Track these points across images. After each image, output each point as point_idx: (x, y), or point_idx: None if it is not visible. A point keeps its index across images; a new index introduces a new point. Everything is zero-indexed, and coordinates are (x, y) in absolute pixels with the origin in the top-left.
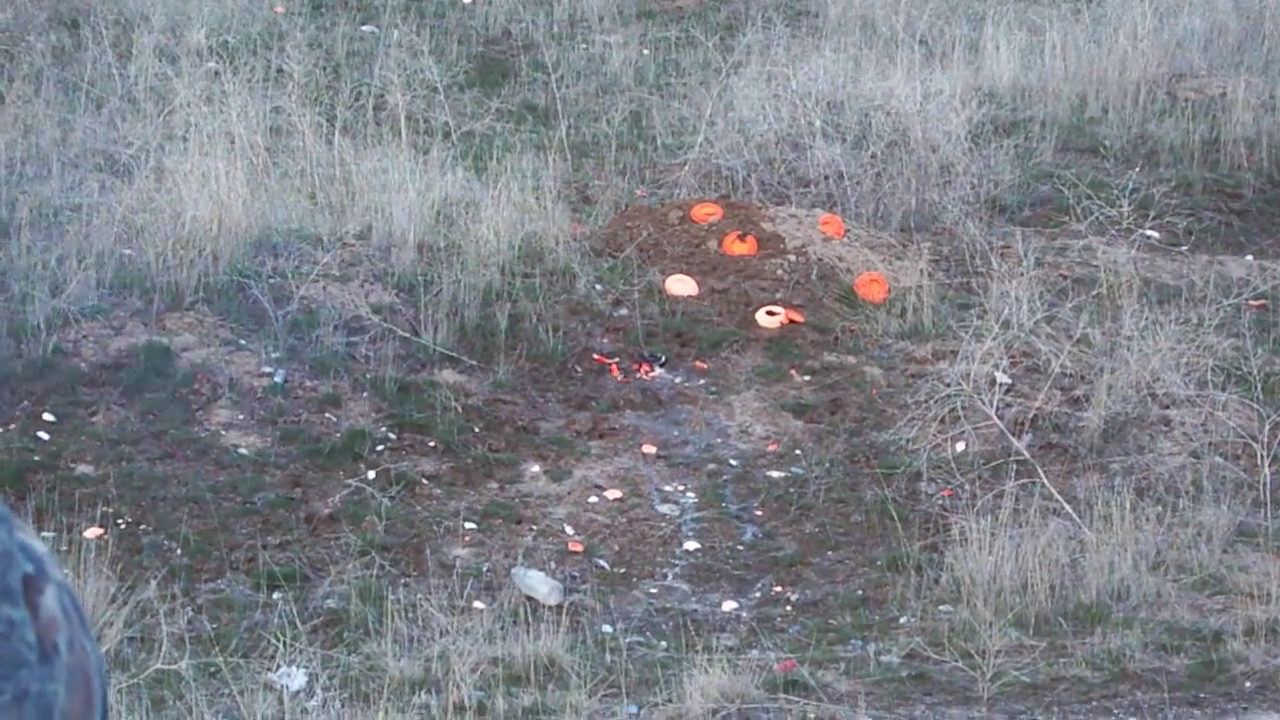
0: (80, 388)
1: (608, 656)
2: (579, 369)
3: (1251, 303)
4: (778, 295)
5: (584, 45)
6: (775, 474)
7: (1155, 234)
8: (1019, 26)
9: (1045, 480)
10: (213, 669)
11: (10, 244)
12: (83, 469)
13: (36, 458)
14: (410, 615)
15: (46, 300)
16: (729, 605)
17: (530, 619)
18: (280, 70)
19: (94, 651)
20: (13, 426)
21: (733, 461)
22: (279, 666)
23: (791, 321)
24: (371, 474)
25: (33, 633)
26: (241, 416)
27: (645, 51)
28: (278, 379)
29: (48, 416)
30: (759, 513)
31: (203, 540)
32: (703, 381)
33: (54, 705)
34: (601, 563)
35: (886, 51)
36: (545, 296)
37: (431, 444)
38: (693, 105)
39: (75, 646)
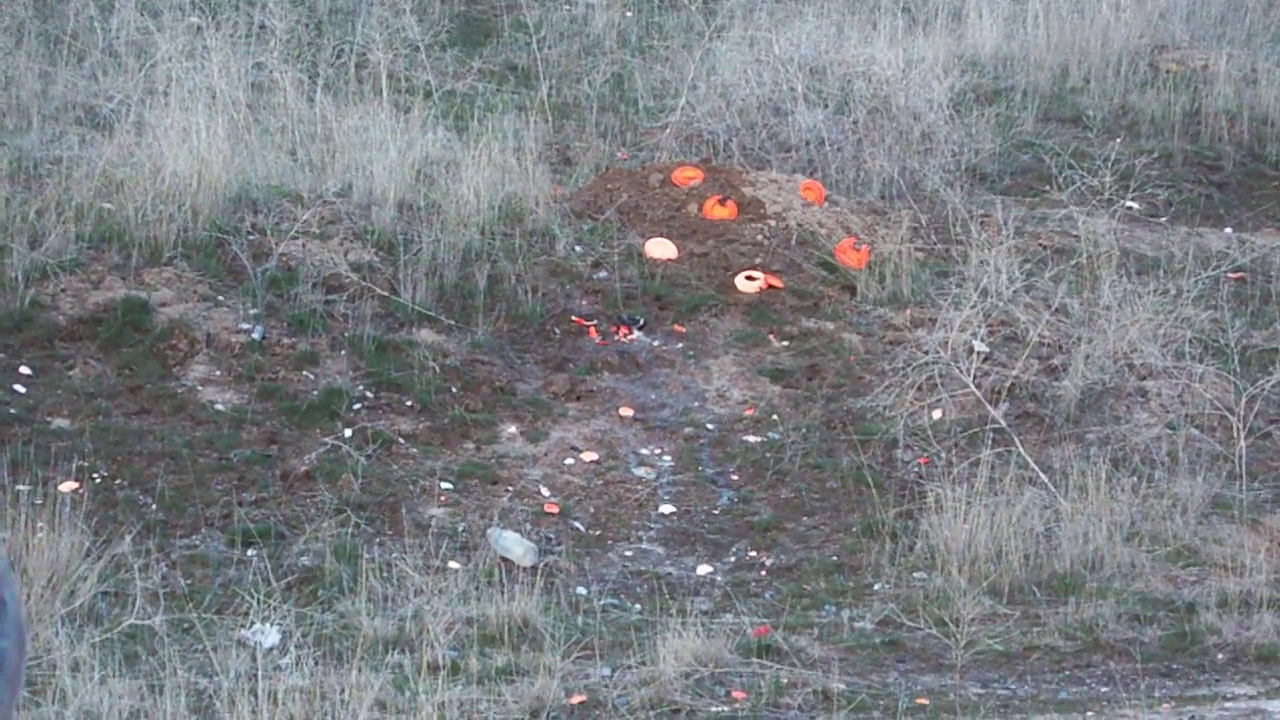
0: (57, 341)
1: (582, 618)
2: (557, 330)
3: (1230, 275)
4: (757, 260)
5: (566, 6)
6: (752, 439)
7: (1135, 205)
8: None
9: (1021, 449)
10: (186, 625)
11: None
12: (59, 423)
13: (12, 410)
14: (385, 574)
15: (25, 253)
16: (704, 569)
17: (505, 580)
18: (262, 26)
19: (19, 598)
20: None
21: (709, 426)
22: (253, 623)
23: (770, 287)
24: (348, 432)
25: None
26: (219, 372)
27: (628, 14)
28: (255, 335)
29: (24, 369)
30: (735, 477)
31: (178, 496)
32: (681, 345)
33: (5, 660)
34: (577, 525)
35: (870, 18)
36: (525, 257)
37: (409, 403)
38: (675, 68)
39: (15, 597)
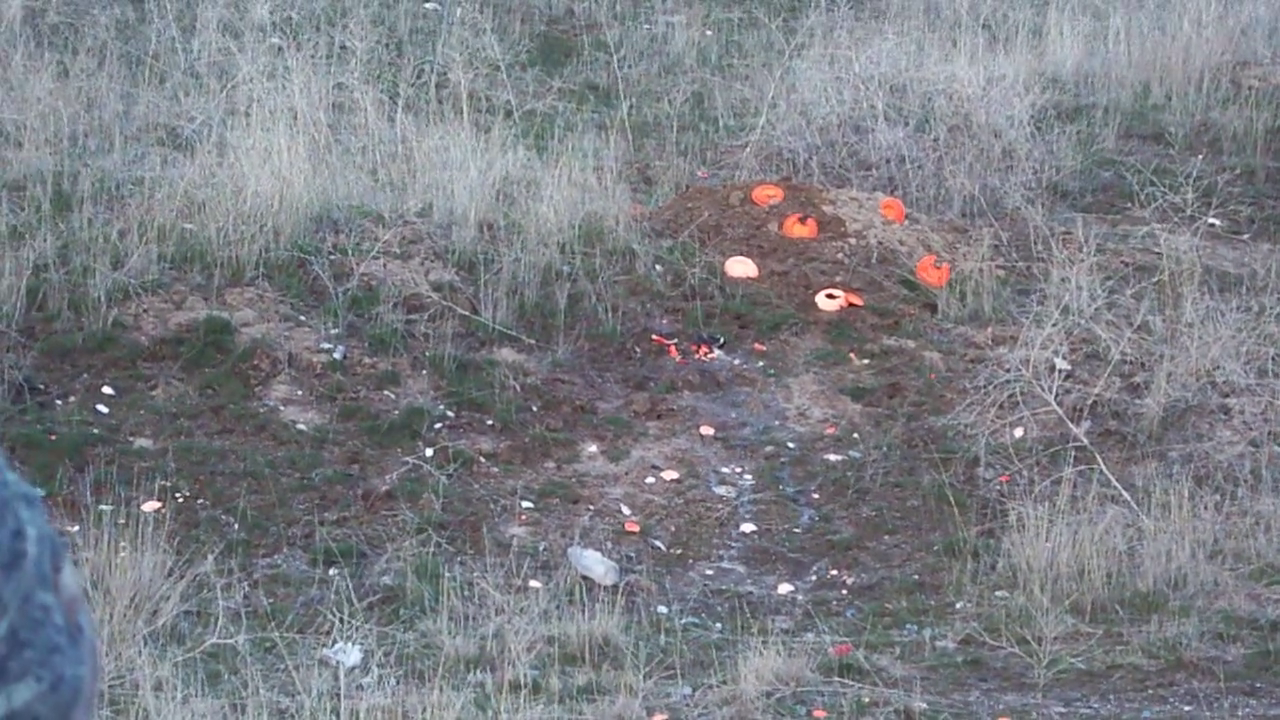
0: (140, 362)
1: (663, 637)
2: (638, 349)
3: None
4: (838, 278)
5: (646, 25)
6: (832, 457)
7: (1217, 222)
8: (1083, 12)
9: (1104, 467)
10: (268, 644)
11: (72, 217)
12: (141, 443)
13: (96, 431)
14: (466, 593)
15: (107, 274)
16: (784, 588)
17: (586, 599)
18: (343, 47)
19: (94, 624)
20: (72, 400)
21: (790, 444)
22: (334, 642)
23: (851, 305)
24: (429, 451)
25: (61, 615)
26: (300, 392)
27: (708, 32)
28: (337, 355)
29: (107, 390)
30: (816, 496)
31: (260, 515)
32: (761, 364)
33: (82, 687)
34: (657, 543)
35: (950, 35)
36: (605, 276)
37: (489, 422)
38: (755, 87)
39: (90, 623)
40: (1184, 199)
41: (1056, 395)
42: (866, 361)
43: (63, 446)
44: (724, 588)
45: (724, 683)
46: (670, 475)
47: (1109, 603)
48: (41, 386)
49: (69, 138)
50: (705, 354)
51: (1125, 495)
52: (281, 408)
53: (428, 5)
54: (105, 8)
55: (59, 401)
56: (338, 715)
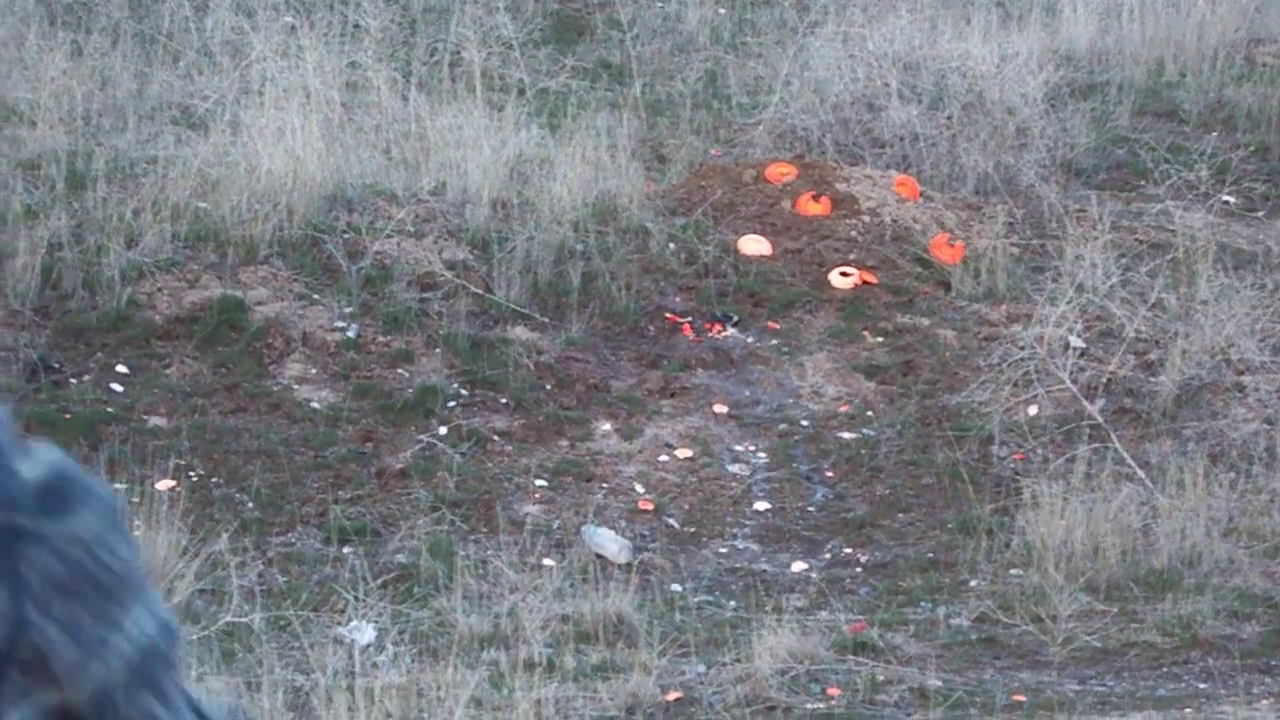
0: (154, 340)
1: (677, 615)
2: (651, 328)
3: None
4: (851, 256)
5: (660, 3)
6: (846, 435)
7: (1232, 199)
8: None
9: (1118, 445)
10: (283, 622)
11: (86, 196)
12: (155, 421)
13: (110, 409)
14: (480, 571)
15: (121, 252)
16: (799, 566)
17: (600, 577)
18: (356, 25)
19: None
20: (87, 378)
21: (804, 422)
22: (349, 621)
23: (865, 283)
24: (443, 430)
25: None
26: (314, 371)
27: (721, 10)
28: (351, 334)
29: (121, 369)
30: (830, 474)
31: (274, 494)
32: (775, 342)
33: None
34: (671, 522)
35: (963, 13)
36: (618, 255)
37: (503, 401)
38: (768, 65)
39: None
40: (1198, 176)
41: (1071, 373)
42: (880, 339)
43: (77, 425)
44: (738, 566)
45: (738, 661)
46: (684, 453)
47: (1123, 580)
48: (56, 365)
49: (83, 117)
50: (719, 332)
51: (1140, 473)
52: (295, 386)
53: None
54: None
55: (73, 380)
56: (352, 693)
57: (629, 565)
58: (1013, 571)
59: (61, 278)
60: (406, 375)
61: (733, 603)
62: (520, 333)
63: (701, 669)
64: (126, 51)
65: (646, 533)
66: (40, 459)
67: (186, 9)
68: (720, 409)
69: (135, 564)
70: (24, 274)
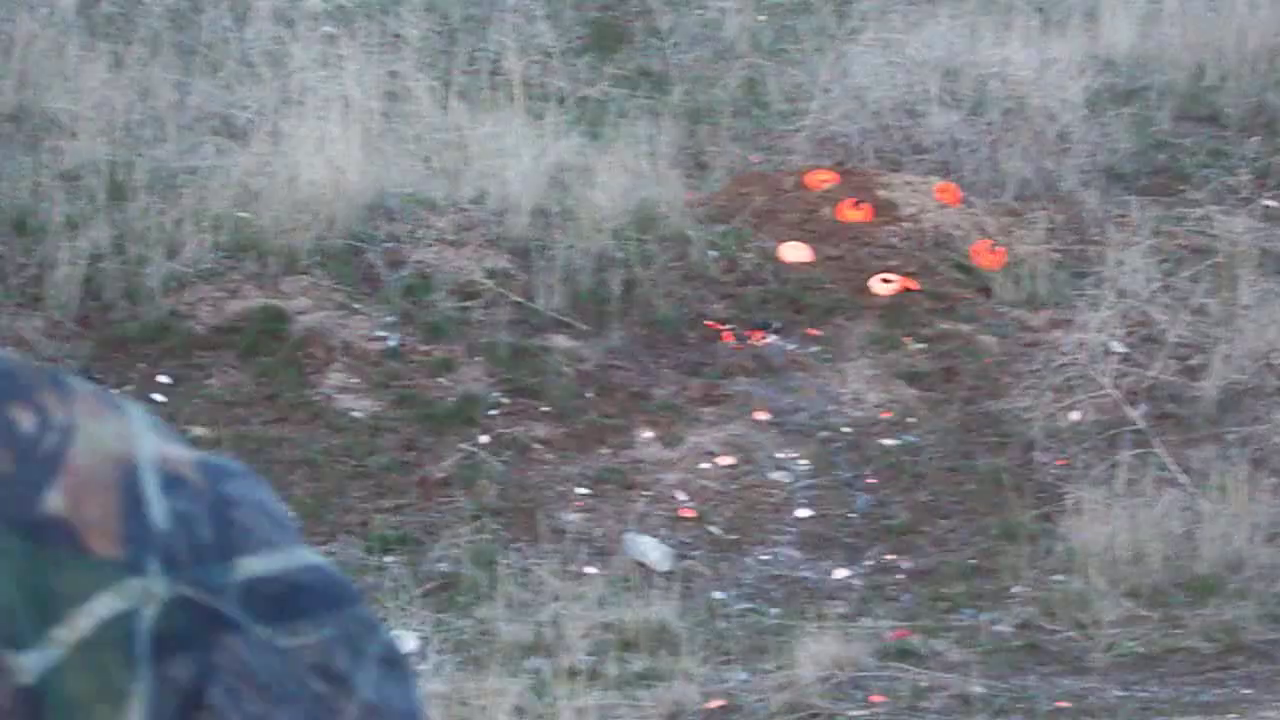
0: (196, 350)
1: (719, 623)
2: (692, 335)
3: None
4: (892, 262)
5: (699, 11)
6: (888, 442)
7: (1273, 203)
8: None
9: (1160, 450)
10: None
11: (127, 207)
12: (198, 431)
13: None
14: (522, 580)
15: (163, 263)
16: (840, 573)
17: (642, 585)
18: (396, 35)
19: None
20: (129, 389)
21: (845, 429)
22: (391, 630)
23: (906, 289)
24: (484, 438)
25: None
26: (355, 380)
27: (761, 17)
28: (391, 343)
29: (163, 379)
30: (871, 480)
31: (316, 503)
32: (816, 348)
33: None
34: (713, 529)
35: (1003, 19)
36: (658, 262)
37: (544, 409)
38: (808, 72)
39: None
40: (1240, 181)
41: (1113, 378)
42: (921, 346)
43: None
44: (780, 573)
45: (780, 668)
46: (725, 461)
47: (1166, 586)
48: (98, 376)
49: (123, 127)
50: (760, 339)
51: (1183, 479)
52: (337, 396)
53: None
54: None
55: (115, 391)
56: None
57: (670, 573)
58: (1055, 577)
59: (103, 289)
60: (448, 384)
61: (775, 610)
62: (561, 341)
63: (744, 676)
64: (167, 62)
65: (688, 540)
66: (280, 557)
67: (227, 19)
68: (761, 416)
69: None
70: (66, 285)
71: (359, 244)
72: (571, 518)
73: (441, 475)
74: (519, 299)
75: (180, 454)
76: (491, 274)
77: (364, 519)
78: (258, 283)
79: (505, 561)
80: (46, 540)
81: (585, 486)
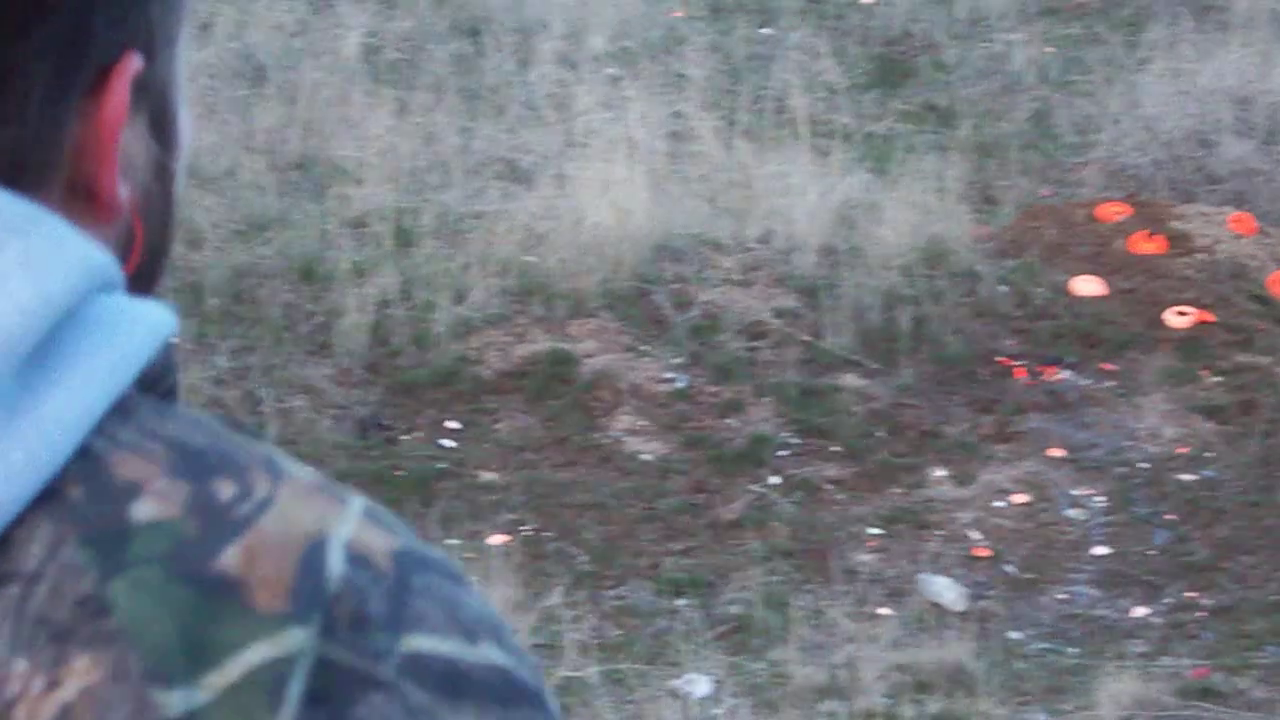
0: (483, 395)
1: (1016, 663)
2: (983, 372)
3: None
4: (1187, 295)
5: (985, 44)
6: (1186, 477)
7: None
8: None
9: None
10: (618, 676)
11: (414, 252)
12: (487, 476)
13: (441, 465)
14: (815, 621)
15: (450, 308)
16: (1139, 610)
17: (937, 625)
18: (680, 75)
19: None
20: (418, 435)
21: (1142, 464)
22: (684, 673)
23: (1201, 321)
24: (774, 479)
25: None
26: (644, 422)
27: (1048, 49)
28: (680, 385)
29: (452, 424)
30: (1169, 516)
31: (606, 546)
32: (1110, 383)
33: None
34: (1008, 568)
35: None
36: (948, 298)
37: (834, 449)
38: (1097, 103)
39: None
40: None
41: None
42: (1218, 379)
43: (409, 482)
44: (1077, 612)
45: (1080, 709)
46: (1020, 498)
47: None
48: (387, 423)
49: (409, 173)
50: (1052, 375)
51: None
52: (625, 438)
53: (763, 31)
54: (442, 42)
55: (404, 436)
56: None
57: (965, 613)
58: None
59: (391, 334)
60: (736, 425)
61: (1072, 649)
62: (850, 380)
63: (1043, 718)
64: (451, 107)
65: (983, 580)
66: (452, 645)
67: (510, 64)
68: (1056, 453)
69: None
70: (353, 331)
71: (645, 285)
72: (864, 558)
73: (731, 517)
74: (807, 338)
75: (380, 541)
76: (779, 313)
77: (654, 562)
78: (544, 326)
79: (798, 603)
80: (214, 592)
81: (877, 526)
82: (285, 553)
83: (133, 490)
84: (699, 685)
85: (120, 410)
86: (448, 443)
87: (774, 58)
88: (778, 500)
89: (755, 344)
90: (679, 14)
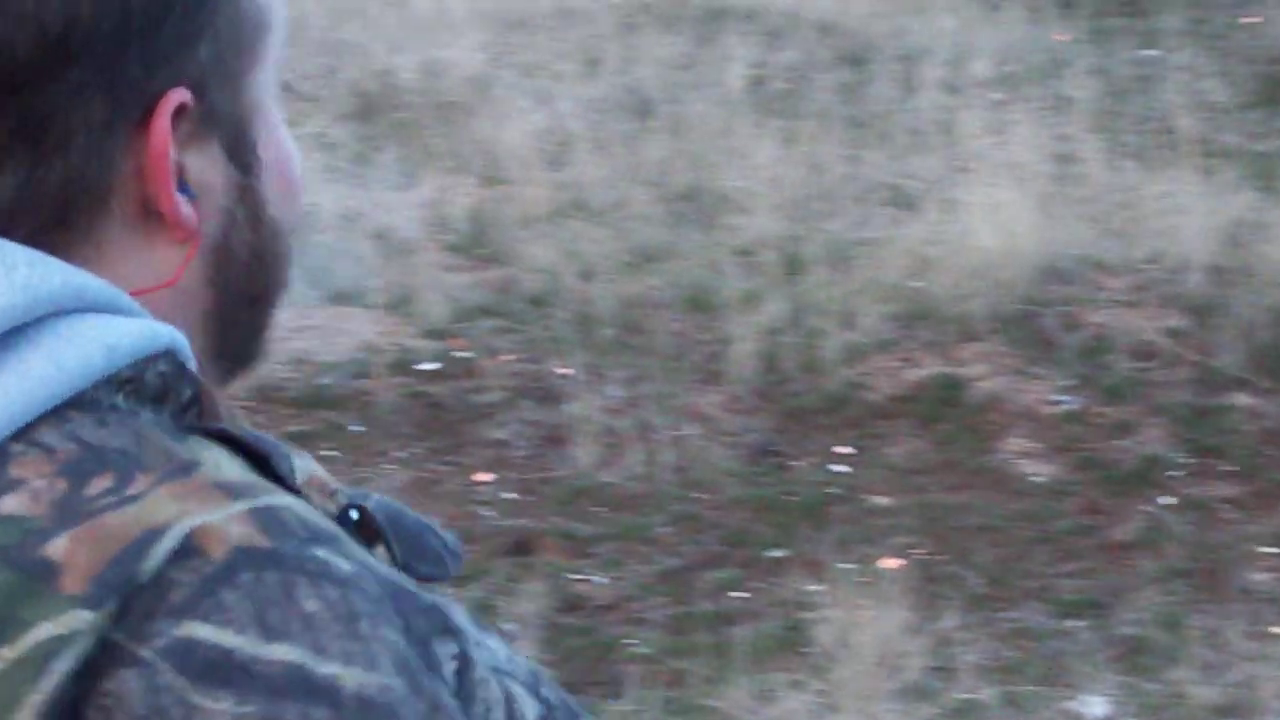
0: (874, 420)
1: None
2: None
3: None
4: None
5: None
6: None
7: None
8: None
9: None
10: (1014, 698)
11: (802, 280)
12: (879, 500)
13: (833, 490)
14: (1211, 641)
15: (839, 334)
16: None
17: None
18: (1064, 97)
19: None
20: (810, 460)
21: None
22: (1079, 694)
23: None
24: (1166, 499)
25: None
26: (1035, 445)
27: None
28: (1070, 406)
29: (843, 449)
30: None
31: (1000, 569)
32: None
33: None
34: None
35: None
36: None
37: (1226, 468)
38: None
39: None
40: None
41: None
42: None
43: (802, 507)
44: None
45: None
46: None
47: None
48: (778, 449)
49: (795, 202)
50: None
51: None
52: (1016, 460)
53: (1146, 52)
54: (826, 72)
55: (795, 462)
56: None
57: None
58: None
59: (781, 361)
60: (1128, 446)
61: None
62: (1242, 399)
63: None
64: (837, 136)
65: None
66: (243, 641)
67: (894, 91)
68: None
69: None
70: (744, 359)
71: (1033, 308)
72: (1259, 577)
73: (1124, 537)
74: (1197, 358)
75: (235, 536)
76: (1168, 333)
77: (1047, 583)
78: (933, 350)
79: (1192, 623)
80: (31, 576)
81: (1272, 545)
82: (112, 543)
83: (10, 486)
84: (1095, 706)
85: (57, 415)
86: (839, 468)
87: (1157, 78)
88: (1170, 520)
89: (1145, 364)
90: (1062, 37)
